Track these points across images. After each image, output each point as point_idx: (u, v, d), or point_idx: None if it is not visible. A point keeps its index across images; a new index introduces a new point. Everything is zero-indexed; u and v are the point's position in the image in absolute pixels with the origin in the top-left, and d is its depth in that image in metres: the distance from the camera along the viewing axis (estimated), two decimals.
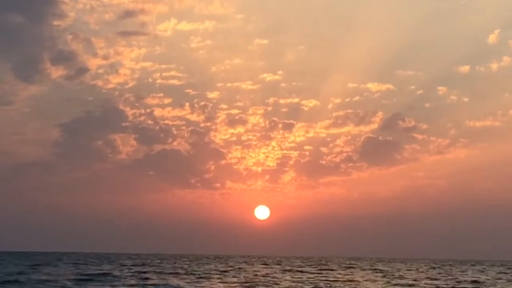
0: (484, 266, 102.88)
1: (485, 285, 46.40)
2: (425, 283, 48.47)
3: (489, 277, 59.07)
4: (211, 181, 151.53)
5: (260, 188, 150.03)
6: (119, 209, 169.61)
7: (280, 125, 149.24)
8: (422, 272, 69.92)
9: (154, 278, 47.10)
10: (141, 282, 42.61)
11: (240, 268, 67.90)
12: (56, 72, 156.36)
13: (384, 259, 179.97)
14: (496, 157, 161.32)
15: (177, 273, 54.07)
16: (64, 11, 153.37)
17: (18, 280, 41.79)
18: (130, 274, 51.52)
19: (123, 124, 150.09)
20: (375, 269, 73.42)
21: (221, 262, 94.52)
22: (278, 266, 78.33)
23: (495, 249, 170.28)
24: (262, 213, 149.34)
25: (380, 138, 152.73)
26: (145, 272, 54.10)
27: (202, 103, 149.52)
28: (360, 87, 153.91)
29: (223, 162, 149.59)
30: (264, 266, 79.63)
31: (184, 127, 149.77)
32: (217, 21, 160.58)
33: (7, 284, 39.22)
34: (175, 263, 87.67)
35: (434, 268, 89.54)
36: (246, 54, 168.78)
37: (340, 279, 49.86)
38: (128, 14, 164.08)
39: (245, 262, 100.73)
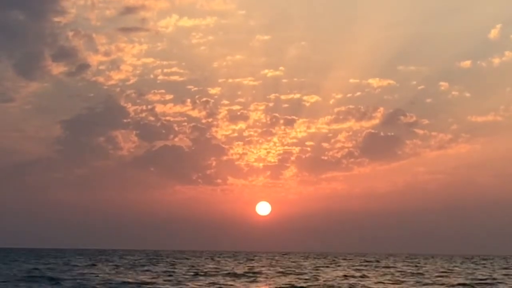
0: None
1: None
2: None
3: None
4: (212, 177, 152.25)
5: (262, 184, 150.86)
6: (120, 205, 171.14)
7: (282, 121, 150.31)
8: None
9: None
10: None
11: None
12: (57, 69, 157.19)
13: (387, 254, 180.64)
14: (497, 152, 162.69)
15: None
16: (65, 7, 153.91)
17: None
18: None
19: (125, 120, 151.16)
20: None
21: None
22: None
23: (497, 244, 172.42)
24: (263, 209, 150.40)
25: (382, 133, 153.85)
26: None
27: (204, 99, 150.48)
28: (362, 83, 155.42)
29: (225, 158, 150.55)
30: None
31: (185, 123, 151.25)
32: (219, 17, 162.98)
33: None
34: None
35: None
36: (247, 50, 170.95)
37: None
38: (129, 10, 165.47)
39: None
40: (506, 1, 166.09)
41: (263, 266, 64.03)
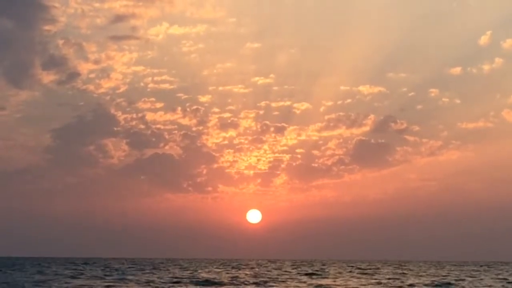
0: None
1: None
2: None
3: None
4: (203, 185, 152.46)
5: (252, 192, 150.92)
6: (110, 214, 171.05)
7: (272, 129, 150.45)
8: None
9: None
10: None
11: None
12: (48, 77, 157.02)
13: (378, 262, 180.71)
14: (488, 158, 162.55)
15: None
16: (55, 16, 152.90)
17: None
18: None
19: (115, 128, 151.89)
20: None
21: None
22: None
23: (486, 250, 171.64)
24: (254, 217, 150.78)
25: (372, 140, 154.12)
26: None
27: (194, 107, 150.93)
28: (352, 90, 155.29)
29: (215, 165, 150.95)
30: None
31: (176, 131, 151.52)
32: (209, 24, 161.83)
33: None
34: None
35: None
36: (237, 57, 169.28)
37: None
38: (119, 18, 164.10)
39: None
40: (496, 7, 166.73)
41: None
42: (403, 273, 74.21)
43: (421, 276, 66.80)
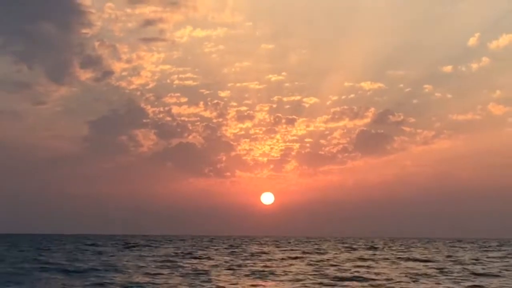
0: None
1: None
2: None
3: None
4: (222, 170, 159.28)
5: (266, 177, 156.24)
6: (140, 196, 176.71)
7: (284, 120, 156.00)
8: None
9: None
10: None
11: None
12: (85, 75, 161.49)
13: (377, 238, 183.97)
14: (476, 147, 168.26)
15: None
16: (91, 20, 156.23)
17: None
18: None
19: (144, 120, 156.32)
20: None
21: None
22: None
23: (474, 228, 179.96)
24: (267, 198, 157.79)
25: (373, 131, 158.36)
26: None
27: (215, 101, 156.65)
28: (355, 86, 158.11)
29: (233, 153, 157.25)
30: None
31: (198, 123, 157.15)
32: (228, 28, 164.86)
33: None
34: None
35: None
36: (254, 57, 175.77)
37: None
38: (149, 22, 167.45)
39: None
40: (484, 12, 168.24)
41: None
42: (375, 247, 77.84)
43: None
